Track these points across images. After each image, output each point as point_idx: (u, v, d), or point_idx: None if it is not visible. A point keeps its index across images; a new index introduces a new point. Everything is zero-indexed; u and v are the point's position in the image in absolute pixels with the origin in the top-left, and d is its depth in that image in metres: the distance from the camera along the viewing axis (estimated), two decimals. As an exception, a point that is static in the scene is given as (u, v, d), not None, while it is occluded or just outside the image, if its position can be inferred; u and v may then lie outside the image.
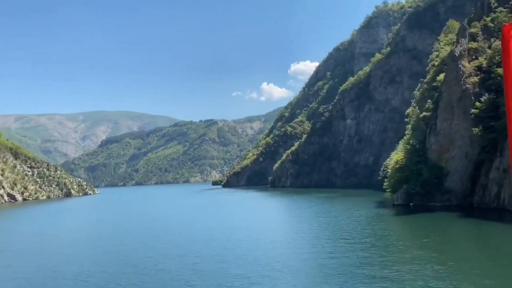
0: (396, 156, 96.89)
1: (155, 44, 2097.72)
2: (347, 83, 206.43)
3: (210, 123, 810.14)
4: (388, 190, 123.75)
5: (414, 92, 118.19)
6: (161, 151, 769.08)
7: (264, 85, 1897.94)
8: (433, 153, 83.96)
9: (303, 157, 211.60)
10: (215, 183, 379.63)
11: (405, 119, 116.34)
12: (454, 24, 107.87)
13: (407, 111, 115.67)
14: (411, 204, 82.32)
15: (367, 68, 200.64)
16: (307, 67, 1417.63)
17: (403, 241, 47.79)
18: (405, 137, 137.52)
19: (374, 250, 43.06)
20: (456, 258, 38.87)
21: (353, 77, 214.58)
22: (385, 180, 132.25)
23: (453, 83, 79.85)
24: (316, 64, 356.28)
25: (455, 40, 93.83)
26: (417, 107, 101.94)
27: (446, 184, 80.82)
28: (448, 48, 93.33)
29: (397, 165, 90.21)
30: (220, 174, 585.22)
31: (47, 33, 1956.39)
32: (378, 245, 45.24)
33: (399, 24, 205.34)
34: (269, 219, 76.50)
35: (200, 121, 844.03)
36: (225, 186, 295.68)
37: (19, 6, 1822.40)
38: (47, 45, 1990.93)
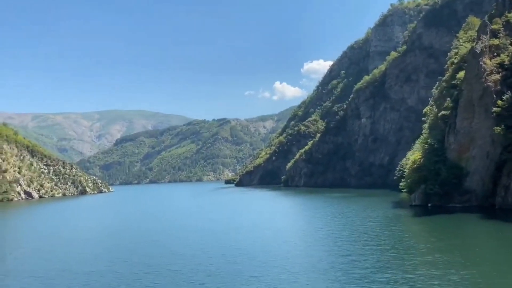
0: (414, 155, 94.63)
1: (169, 44, 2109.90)
2: (362, 81, 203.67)
3: (223, 122, 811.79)
4: (405, 190, 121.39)
5: (432, 90, 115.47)
6: (174, 150, 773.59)
7: (277, 84, 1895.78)
8: (452, 152, 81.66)
9: (317, 156, 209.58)
10: (227, 181, 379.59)
11: (422, 118, 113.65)
12: (474, 21, 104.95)
13: (425, 109, 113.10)
14: (429, 204, 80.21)
15: (382, 67, 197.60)
16: (321, 66, 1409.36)
17: (424, 243, 46.04)
18: (422, 137, 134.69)
19: (394, 252, 41.51)
20: (481, 262, 37.18)
21: (368, 75, 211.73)
22: (402, 180, 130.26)
23: (473, 81, 77.48)
24: (330, 63, 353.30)
25: (475, 37, 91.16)
26: (435, 106, 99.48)
27: (466, 185, 78.53)
28: (468, 45, 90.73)
29: (415, 165, 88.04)
30: (233, 173, 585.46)
31: (63, 33, 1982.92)
32: (398, 248, 43.66)
33: (415, 22, 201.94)
34: (284, 219, 75.23)
35: (213, 120, 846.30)
36: (238, 185, 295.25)
37: (35, 5, 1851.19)
38: (63, 45, 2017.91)
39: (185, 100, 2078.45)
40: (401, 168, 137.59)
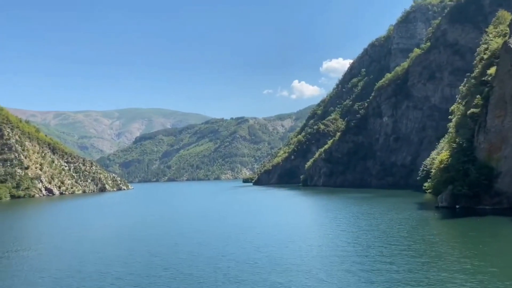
0: (441, 155, 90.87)
1: (187, 43, 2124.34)
2: (383, 79, 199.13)
3: (241, 120, 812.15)
4: (429, 191, 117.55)
5: (459, 87, 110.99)
6: (192, 148, 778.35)
7: (296, 82, 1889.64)
8: (482, 152, 77.86)
9: (337, 155, 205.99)
10: (245, 180, 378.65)
11: (449, 117, 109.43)
12: (505, 15, 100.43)
13: (451, 107, 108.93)
14: (457, 206, 76.66)
15: (405, 64, 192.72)
16: (340, 65, 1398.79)
17: (458, 249, 42.96)
18: (447, 136, 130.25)
19: (426, 258, 38.67)
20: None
21: (389, 73, 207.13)
22: (426, 180, 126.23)
23: (506, 77, 73.55)
24: (349, 61, 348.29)
25: (507, 31, 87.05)
26: (463, 104, 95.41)
27: (496, 186, 74.71)
28: (499, 40, 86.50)
29: (442, 165, 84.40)
30: (251, 172, 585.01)
31: (84, 33, 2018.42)
32: (430, 253, 40.79)
33: (439, 18, 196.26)
34: (306, 220, 72.83)
35: (231, 118, 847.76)
36: (256, 183, 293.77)
37: (55, 6, 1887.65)
38: (84, 45, 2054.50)
39: (203, 98, 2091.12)
40: (425, 168, 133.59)
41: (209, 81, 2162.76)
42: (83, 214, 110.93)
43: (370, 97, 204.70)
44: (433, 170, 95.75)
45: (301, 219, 75.01)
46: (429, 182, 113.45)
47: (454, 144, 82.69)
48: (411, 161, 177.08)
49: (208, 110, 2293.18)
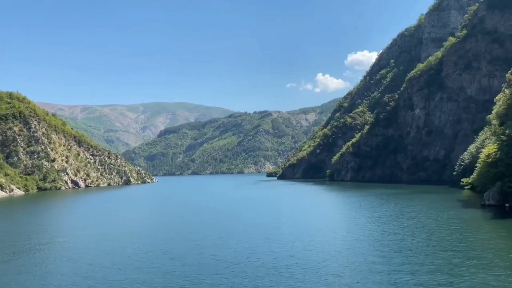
0: (487, 148, 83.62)
1: (211, 37, 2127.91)
2: (415, 69, 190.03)
3: (265, 114, 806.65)
4: (468, 187, 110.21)
5: (507, 75, 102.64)
6: (216, 142, 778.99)
7: (320, 76, 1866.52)
8: (535, 145, 70.67)
9: (365, 149, 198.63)
10: (269, 174, 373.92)
11: (493, 107, 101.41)
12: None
13: (496, 97, 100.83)
14: (507, 205, 69.80)
15: (438, 53, 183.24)
16: (365, 57, 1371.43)
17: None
18: (486, 128, 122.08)
19: (498, 271, 32.72)
20: None
21: (421, 63, 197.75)
22: (463, 176, 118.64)
23: None
24: (375, 53, 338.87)
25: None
26: (510, 93, 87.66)
27: (551, 183, 67.57)
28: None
29: (489, 159, 77.33)
30: (274, 166, 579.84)
31: (111, 28, 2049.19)
32: (501, 264, 34.79)
33: (476, 5, 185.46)
34: (341, 218, 67.07)
35: (255, 112, 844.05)
36: (280, 178, 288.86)
37: (82, 2, 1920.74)
38: (110, 40, 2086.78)
39: (227, 93, 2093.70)
40: (463, 163, 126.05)
41: (233, 75, 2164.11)
42: (116, 206, 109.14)
43: (401, 89, 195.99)
44: (478, 165, 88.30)
45: (336, 217, 69.51)
46: (471, 177, 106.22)
47: (503, 137, 75.47)
48: (444, 155, 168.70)
49: (232, 104, 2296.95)
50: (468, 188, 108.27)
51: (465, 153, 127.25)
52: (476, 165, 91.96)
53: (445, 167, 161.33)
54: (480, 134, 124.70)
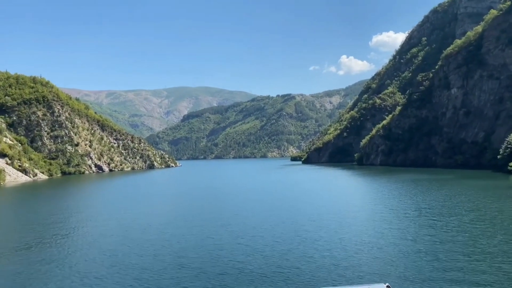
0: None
1: (232, 21, 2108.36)
2: (452, 46, 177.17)
3: (288, 97, 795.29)
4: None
5: None
6: (239, 126, 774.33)
7: (344, 58, 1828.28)
8: None
9: (397, 132, 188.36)
10: (293, 158, 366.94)
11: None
12: None
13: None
14: None
15: (478, 28, 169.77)
16: (391, 38, 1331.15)
17: None
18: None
19: None
20: None
21: (459, 39, 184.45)
22: (511, 159, 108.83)
23: None
24: (401, 34, 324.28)
25: None
26: None
27: None
28: None
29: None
30: (297, 150, 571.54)
31: (134, 16, 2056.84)
32: None
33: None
34: (385, 209, 58.14)
35: (278, 95, 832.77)
36: (305, 162, 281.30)
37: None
38: (134, 27, 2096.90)
39: (249, 76, 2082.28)
40: (509, 145, 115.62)
41: (255, 59, 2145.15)
42: (143, 191, 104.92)
43: (436, 67, 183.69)
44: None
45: (377, 207, 61.50)
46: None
47: None
48: (484, 137, 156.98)
49: (254, 88, 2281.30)
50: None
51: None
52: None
53: (485, 150, 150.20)
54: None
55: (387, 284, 14.11)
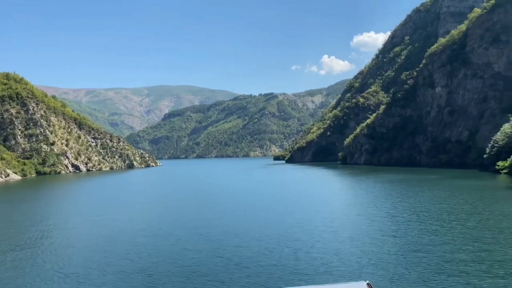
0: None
1: (214, 19, 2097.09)
2: (436, 45, 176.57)
3: (270, 96, 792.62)
4: (504, 171, 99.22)
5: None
6: (221, 125, 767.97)
7: (325, 58, 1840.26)
8: None
9: (381, 131, 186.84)
10: (276, 157, 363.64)
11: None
12: None
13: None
14: None
15: (462, 26, 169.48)
16: (371, 39, 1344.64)
17: None
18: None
19: None
20: None
21: (441, 39, 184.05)
22: (497, 159, 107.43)
23: None
24: (382, 35, 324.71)
25: None
26: None
27: None
28: None
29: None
30: (280, 149, 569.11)
31: (113, 11, 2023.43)
32: None
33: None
34: (378, 212, 55.16)
35: (260, 94, 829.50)
36: (288, 161, 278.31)
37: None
38: (113, 23, 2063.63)
39: (231, 75, 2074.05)
40: (496, 145, 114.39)
41: (237, 58, 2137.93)
42: (118, 192, 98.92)
43: (420, 65, 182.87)
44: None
45: (367, 209, 58.04)
46: (508, 160, 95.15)
47: None
48: (468, 137, 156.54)
49: (236, 87, 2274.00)
50: (505, 173, 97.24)
51: (498, 133, 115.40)
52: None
53: (469, 149, 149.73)
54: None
55: (367, 281, 12.84)
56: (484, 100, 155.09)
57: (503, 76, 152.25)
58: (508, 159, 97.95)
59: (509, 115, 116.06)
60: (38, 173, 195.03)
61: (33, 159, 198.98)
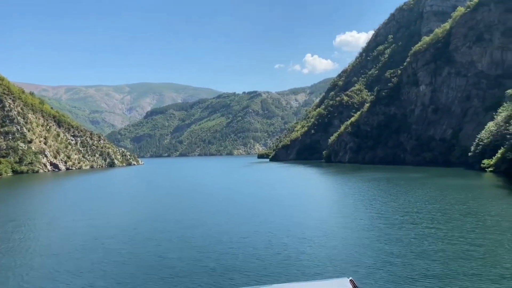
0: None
1: (198, 17, 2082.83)
2: (421, 43, 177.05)
3: (254, 95, 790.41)
4: (490, 169, 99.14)
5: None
6: (204, 123, 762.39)
7: (308, 56, 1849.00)
8: None
9: (365, 129, 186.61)
10: (260, 156, 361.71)
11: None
12: None
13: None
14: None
15: (446, 25, 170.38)
16: (354, 38, 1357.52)
17: None
18: (507, 104, 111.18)
19: None
20: None
21: (424, 38, 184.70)
22: (482, 157, 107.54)
23: None
24: (364, 34, 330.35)
25: None
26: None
27: None
28: None
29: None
30: (264, 147, 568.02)
31: (95, 8, 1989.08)
32: None
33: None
34: (370, 214, 53.15)
35: (244, 92, 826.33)
36: (273, 159, 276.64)
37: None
38: (95, 20, 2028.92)
39: (214, 73, 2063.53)
40: (480, 143, 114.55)
41: (220, 55, 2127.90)
42: (98, 192, 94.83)
43: (405, 64, 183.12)
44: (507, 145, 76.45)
45: (357, 209, 56.45)
46: (493, 158, 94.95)
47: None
48: (452, 135, 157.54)
49: (219, 84, 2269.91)
50: (491, 171, 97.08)
51: (483, 132, 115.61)
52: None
53: (453, 147, 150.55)
54: (499, 110, 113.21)
55: (350, 278, 12.27)
56: (468, 98, 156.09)
57: (486, 74, 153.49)
58: (493, 157, 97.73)
59: (493, 113, 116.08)
60: (15, 172, 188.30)
61: (9, 158, 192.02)
